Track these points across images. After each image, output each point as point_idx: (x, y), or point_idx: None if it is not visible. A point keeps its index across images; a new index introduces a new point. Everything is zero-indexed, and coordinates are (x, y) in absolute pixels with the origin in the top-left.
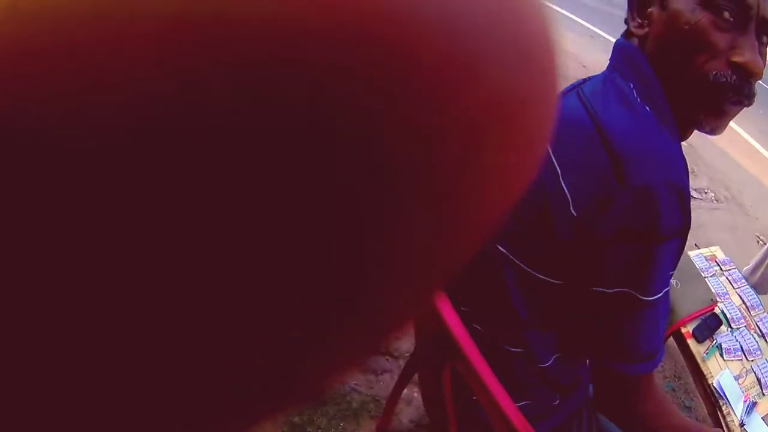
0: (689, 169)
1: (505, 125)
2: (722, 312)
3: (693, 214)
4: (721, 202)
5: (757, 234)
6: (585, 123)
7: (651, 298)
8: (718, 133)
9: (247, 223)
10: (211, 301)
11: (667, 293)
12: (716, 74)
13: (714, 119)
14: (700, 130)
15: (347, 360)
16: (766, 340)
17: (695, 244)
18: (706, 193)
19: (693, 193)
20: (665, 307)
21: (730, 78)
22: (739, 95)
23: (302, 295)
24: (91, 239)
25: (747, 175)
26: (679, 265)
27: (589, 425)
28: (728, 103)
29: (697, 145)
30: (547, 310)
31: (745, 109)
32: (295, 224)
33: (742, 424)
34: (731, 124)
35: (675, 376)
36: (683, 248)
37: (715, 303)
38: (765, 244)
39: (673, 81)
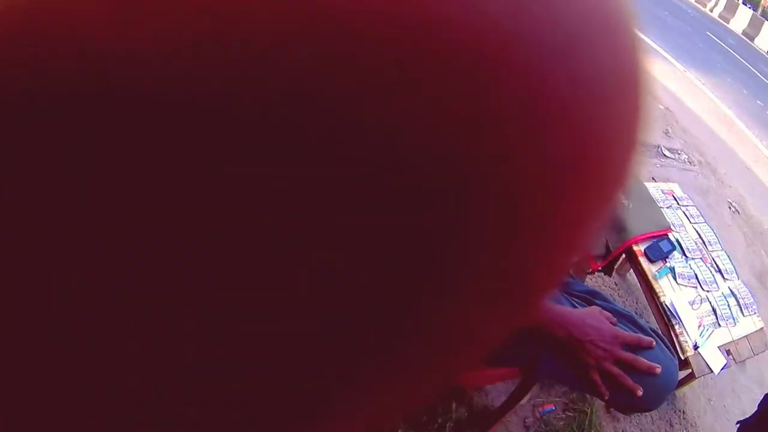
0: (664, 130)
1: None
2: (677, 240)
3: (663, 172)
4: (695, 165)
5: (730, 200)
6: None
7: None
8: None
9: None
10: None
11: None
12: None
13: None
14: None
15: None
16: (723, 277)
17: (653, 178)
18: (678, 154)
19: (665, 152)
20: None
21: None
22: None
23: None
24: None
25: (722, 144)
26: (631, 188)
27: None
28: None
29: (674, 109)
30: None
31: (722, 79)
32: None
33: (696, 347)
34: (708, 92)
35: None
36: None
37: (669, 229)
38: (737, 211)
39: None
